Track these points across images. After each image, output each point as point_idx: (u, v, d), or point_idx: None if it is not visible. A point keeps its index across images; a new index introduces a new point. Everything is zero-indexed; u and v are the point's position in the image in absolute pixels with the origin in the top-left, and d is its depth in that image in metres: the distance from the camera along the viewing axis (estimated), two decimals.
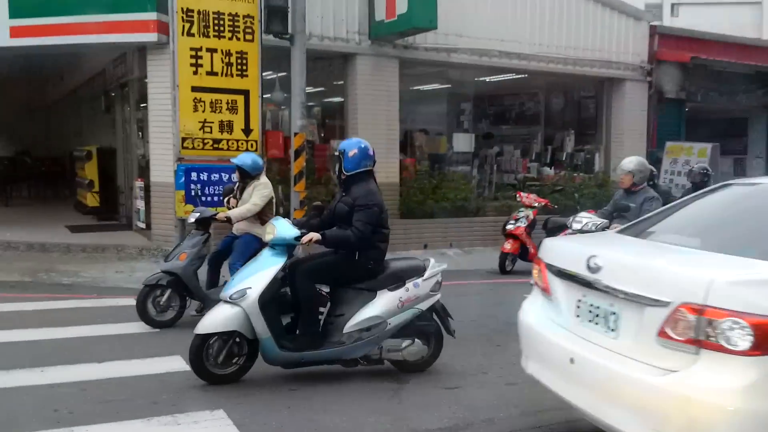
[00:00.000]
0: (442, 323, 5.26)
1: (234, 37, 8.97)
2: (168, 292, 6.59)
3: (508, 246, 10.17)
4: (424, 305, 5.09)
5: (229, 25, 8.93)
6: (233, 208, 7.10)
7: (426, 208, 11.66)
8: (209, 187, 8.78)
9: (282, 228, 4.87)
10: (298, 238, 4.79)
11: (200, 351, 4.70)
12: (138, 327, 6.38)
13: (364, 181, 5.05)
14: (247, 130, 9.07)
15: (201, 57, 8.79)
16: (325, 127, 12.45)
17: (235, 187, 7.30)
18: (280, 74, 11.63)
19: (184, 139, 8.76)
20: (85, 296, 7.98)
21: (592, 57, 13.55)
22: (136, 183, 11.40)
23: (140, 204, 11.08)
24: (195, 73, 8.77)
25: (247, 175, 7.08)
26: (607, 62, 13.79)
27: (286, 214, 9.55)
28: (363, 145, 5.11)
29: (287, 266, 5.00)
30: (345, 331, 4.90)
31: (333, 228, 5.03)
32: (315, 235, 4.82)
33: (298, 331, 4.97)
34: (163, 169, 9.59)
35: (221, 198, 7.49)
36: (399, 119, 11.69)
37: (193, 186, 8.77)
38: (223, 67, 8.91)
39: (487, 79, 14.76)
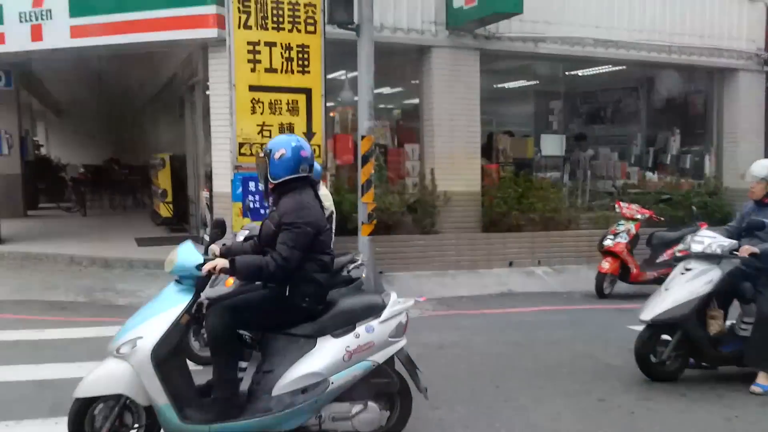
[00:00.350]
0: (411, 378, 4.02)
1: (294, 29, 8.10)
2: None
3: (607, 265, 8.88)
4: (380, 356, 3.85)
5: (289, 15, 8.06)
6: None
7: (511, 220, 10.43)
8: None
9: (184, 254, 3.73)
10: (200, 267, 3.66)
11: (80, 420, 3.61)
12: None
13: (297, 191, 3.87)
14: (309, 134, 8.18)
15: (259, 52, 7.97)
16: (399, 129, 11.43)
17: None
18: (350, 75, 10.77)
19: (241, 145, 7.96)
20: None
21: (701, 44, 11.94)
22: (202, 193, 10.78)
23: (207, 216, 10.45)
24: (253, 70, 7.95)
25: None
26: (717, 50, 12.14)
27: (353, 230, 8.61)
28: (295, 144, 3.93)
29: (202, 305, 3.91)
30: (274, 393, 3.70)
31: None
32: (221, 262, 3.66)
33: (212, 395, 3.79)
34: (224, 179, 8.87)
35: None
36: (480, 120, 10.52)
37: (250, 197, 7.95)
38: (282, 62, 8.05)
39: (580, 72, 13.40)
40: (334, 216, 6.45)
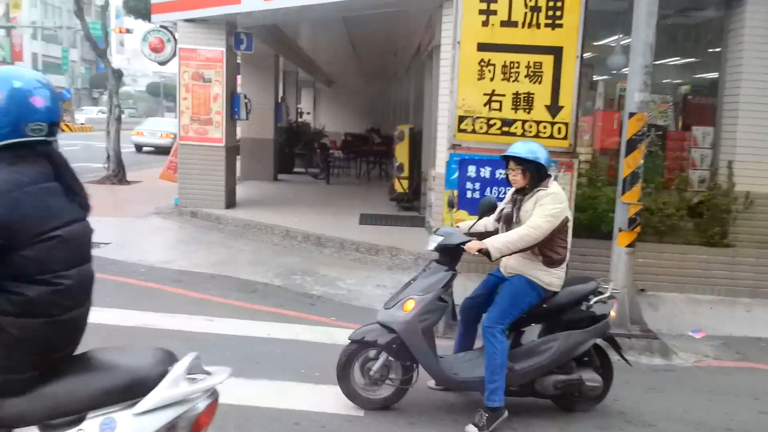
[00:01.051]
0: None
1: None
2: (384, 357, 4.23)
3: None
4: None
5: None
6: (488, 233, 4.43)
7: None
8: (493, 189, 6.13)
9: None
10: None
11: None
12: (336, 401, 4.26)
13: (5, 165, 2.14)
14: (554, 108, 6.11)
15: (495, 1, 6.09)
16: (686, 107, 8.74)
17: (504, 202, 4.59)
18: (623, 42, 8.50)
19: (461, 119, 6.20)
20: (320, 318, 6.21)
21: None
22: (431, 171, 9.39)
23: (433, 197, 9.06)
24: (485, 23, 6.09)
25: (529, 176, 4.30)
26: None
27: (608, 234, 6.49)
28: (19, 85, 2.17)
29: None
30: None
31: None
32: None
33: None
34: (443, 158, 7.30)
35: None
36: None
37: (469, 185, 6.20)
38: (525, 13, 6.03)
39: None
40: (570, 223, 4.49)
